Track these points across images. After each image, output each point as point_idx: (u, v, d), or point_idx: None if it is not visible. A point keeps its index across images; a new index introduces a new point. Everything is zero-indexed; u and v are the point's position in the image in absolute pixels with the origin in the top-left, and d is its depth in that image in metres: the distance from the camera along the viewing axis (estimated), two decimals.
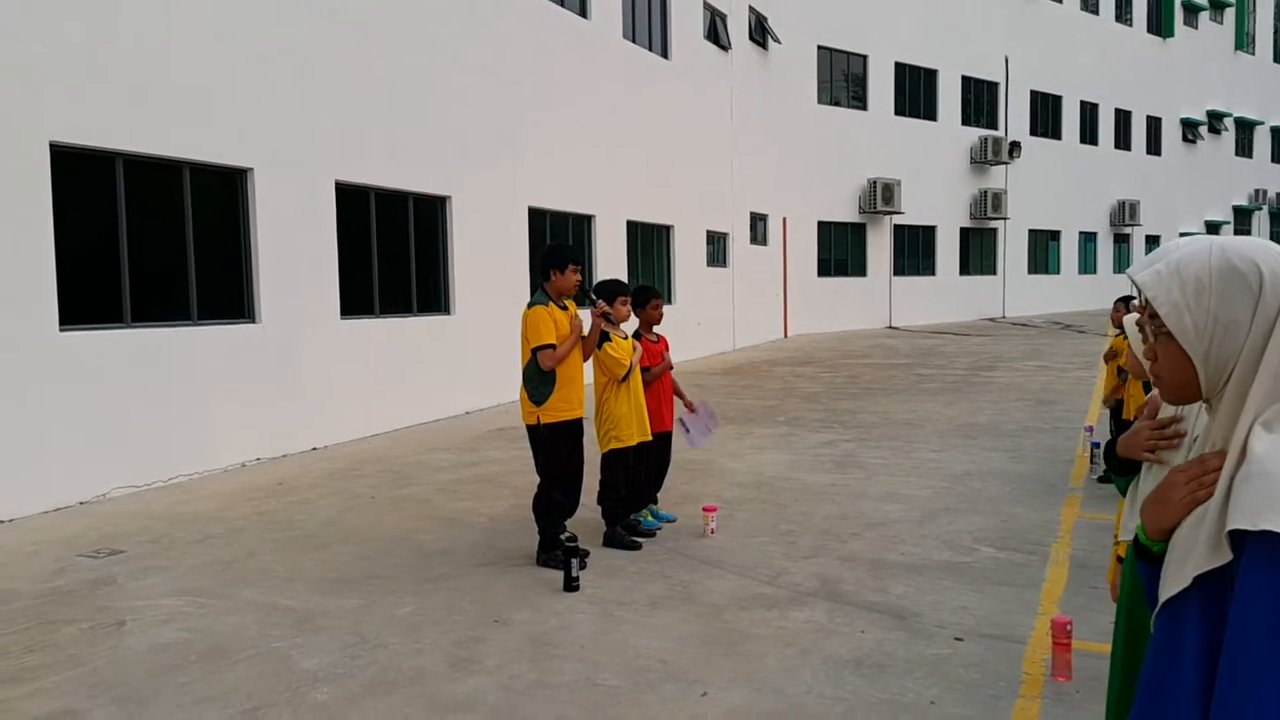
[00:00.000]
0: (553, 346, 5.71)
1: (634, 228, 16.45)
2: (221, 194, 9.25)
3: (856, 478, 8.27)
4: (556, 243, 6.15)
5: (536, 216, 13.80)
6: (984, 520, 6.89)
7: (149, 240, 8.56)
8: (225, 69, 9.00)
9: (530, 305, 5.83)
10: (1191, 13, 37.80)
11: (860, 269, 26.79)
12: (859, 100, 26.65)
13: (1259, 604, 1.34)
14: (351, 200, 10.62)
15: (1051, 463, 8.80)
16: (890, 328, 26.80)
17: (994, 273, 30.68)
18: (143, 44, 8.26)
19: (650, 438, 6.44)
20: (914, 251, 28.26)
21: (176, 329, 8.70)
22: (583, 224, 15.04)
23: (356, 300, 10.78)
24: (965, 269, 29.81)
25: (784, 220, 23.70)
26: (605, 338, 6.09)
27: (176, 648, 4.74)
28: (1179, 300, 1.52)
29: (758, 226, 22.49)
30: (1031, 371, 16.01)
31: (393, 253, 11.37)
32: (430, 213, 11.94)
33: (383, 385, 10.92)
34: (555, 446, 5.82)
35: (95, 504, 7.77)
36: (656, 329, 6.82)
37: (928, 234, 28.55)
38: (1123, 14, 35.15)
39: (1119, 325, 8.17)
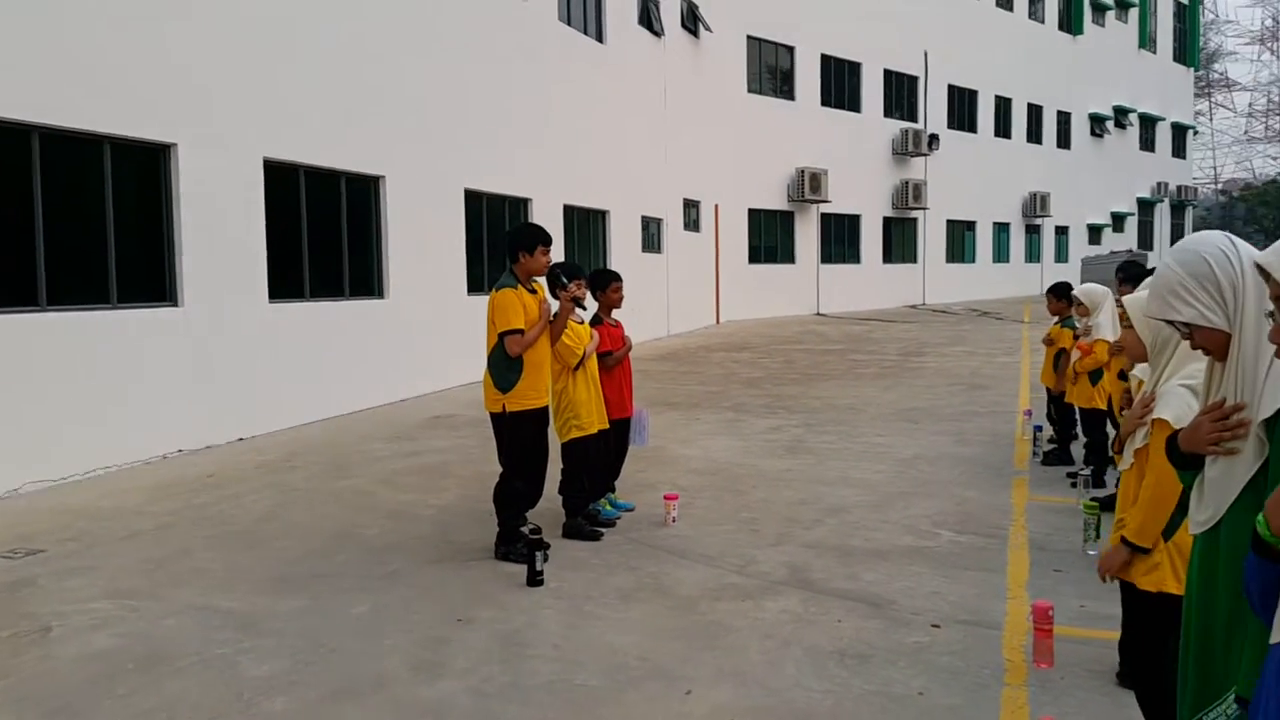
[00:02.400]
0: (521, 331, 5.47)
1: (570, 212, 16.18)
2: (143, 171, 8.73)
3: (809, 463, 8.21)
4: (526, 223, 5.92)
5: (473, 199, 13.45)
6: (939, 504, 6.87)
7: (66, 219, 8.03)
8: (149, 40, 8.48)
9: (498, 288, 5.58)
10: (1099, 11, 38.89)
11: (789, 256, 26.95)
12: (787, 91, 26.76)
13: None
14: (281, 179, 10.15)
15: (994, 446, 8.87)
16: (819, 314, 27.03)
17: (915, 261, 31.20)
18: (61, 12, 7.71)
19: (609, 425, 6.25)
20: (840, 240, 28.56)
21: (93, 313, 8.19)
22: (519, 207, 14.72)
23: (286, 283, 10.32)
24: (888, 257, 30.26)
25: (716, 207, 23.68)
26: None
27: (111, 655, 4.39)
28: None
29: (691, 213, 22.42)
30: (959, 357, 16.24)
31: (324, 234, 10.93)
32: (363, 193, 11.51)
33: (313, 372, 10.49)
34: (521, 435, 5.58)
35: (7, 500, 7.25)
36: (615, 313, 6.62)
37: (853, 223, 28.87)
38: (1035, 11, 35.99)
39: (1055, 314, 8.28)
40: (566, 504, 6.17)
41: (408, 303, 12.02)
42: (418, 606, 4.94)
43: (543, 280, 5.87)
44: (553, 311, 5.80)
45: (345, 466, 8.29)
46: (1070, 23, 37.38)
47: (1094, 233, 39.78)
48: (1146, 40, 41.84)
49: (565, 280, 5.86)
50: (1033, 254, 36.73)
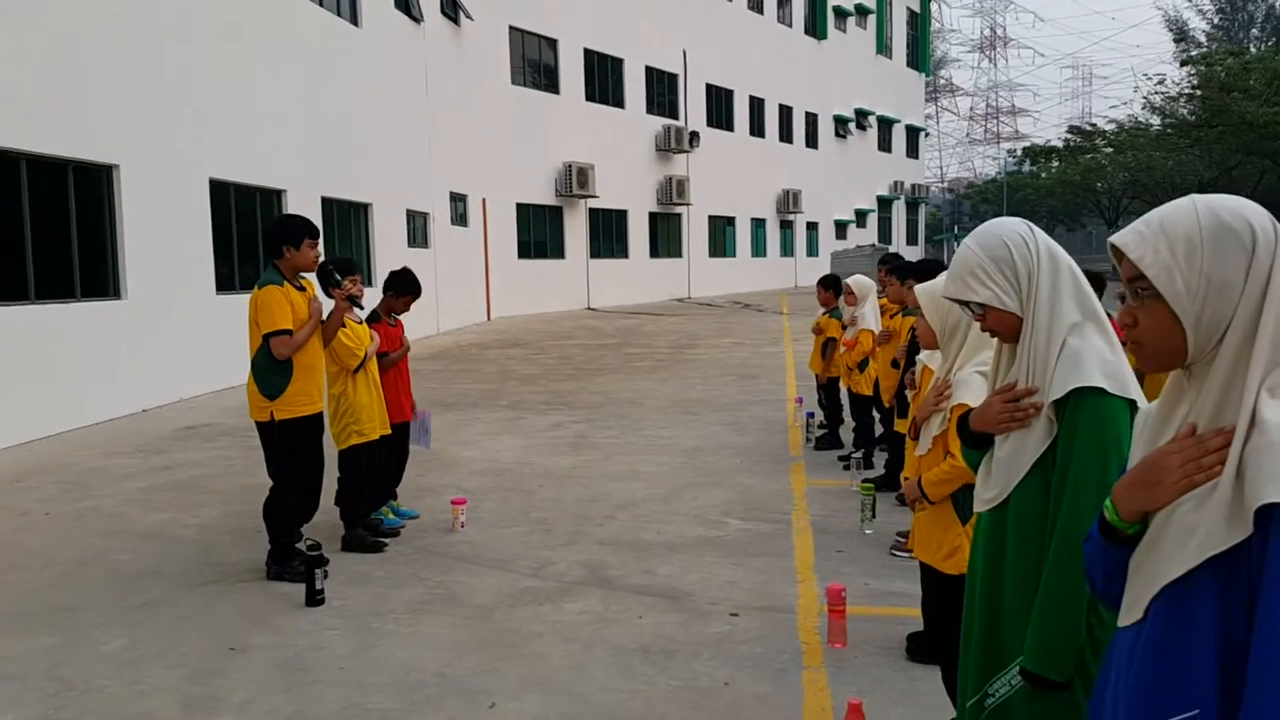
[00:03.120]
0: (289, 332, 5.02)
1: (330, 205, 15.37)
2: None
3: (595, 459, 8.16)
4: (289, 215, 5.42)
5: (219, 190, 12.46)
6: (725, 493, 6.99)
7: None
8: None
9: (261, 285, 5.09)
10: (841, 17, 41.48)
11: (559, 251, 26.95)
12: (551, 84, 26.72)
13: None
14: None
15: (770, 433, 9.17)
16: (589, 309, 27.21)
17: (680, 256, 32.06)
18: None
19: (390, 430, 5.92)
20: (608, 234, 28.88)
21: None
22: (271, 199, 13.80)
23: (7, 284, 9.15)
24: (655, 252, 30.92)
25: (483, 201, 23.29)
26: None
27: None
28: (1169, 261, 1.41)
29: (458, 207, 21.93)
30: (728, 348, 16.78)
31: (51, 229, 9.77)
32: (94, 184, 10.38)
33: (41, 382, 9.37)
34: (293, 445, 5.13)
35: None
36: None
37: (620, 218, 29.27)
38: (784, 15, 37.87)
39: (824, 305, 8.65)
40: (345, 515, 5.78)
41: (149, 303, 10.98)
42: (183, 637, 4.45)
43: (311, 276, 5.44)
44: (324, 310, 5.39)
45: (85, 486, 7.43)
46: (815, 27, 39.60)
47: (840, 228, 42.41)
48: (884, 46, 45.02)
49: (338, 277, 5.47)
50: (787, 248, 38.68)
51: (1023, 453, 2.12)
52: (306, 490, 5.31)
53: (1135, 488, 1.48)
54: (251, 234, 13.29)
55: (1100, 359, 2.04)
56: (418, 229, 19.48)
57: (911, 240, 49.05)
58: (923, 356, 3.93)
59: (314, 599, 4.79)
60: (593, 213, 27.95)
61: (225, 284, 12.40)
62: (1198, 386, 1.44)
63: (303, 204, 14.09)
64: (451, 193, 21.36)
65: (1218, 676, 1.33)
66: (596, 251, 28.26)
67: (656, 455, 8.26)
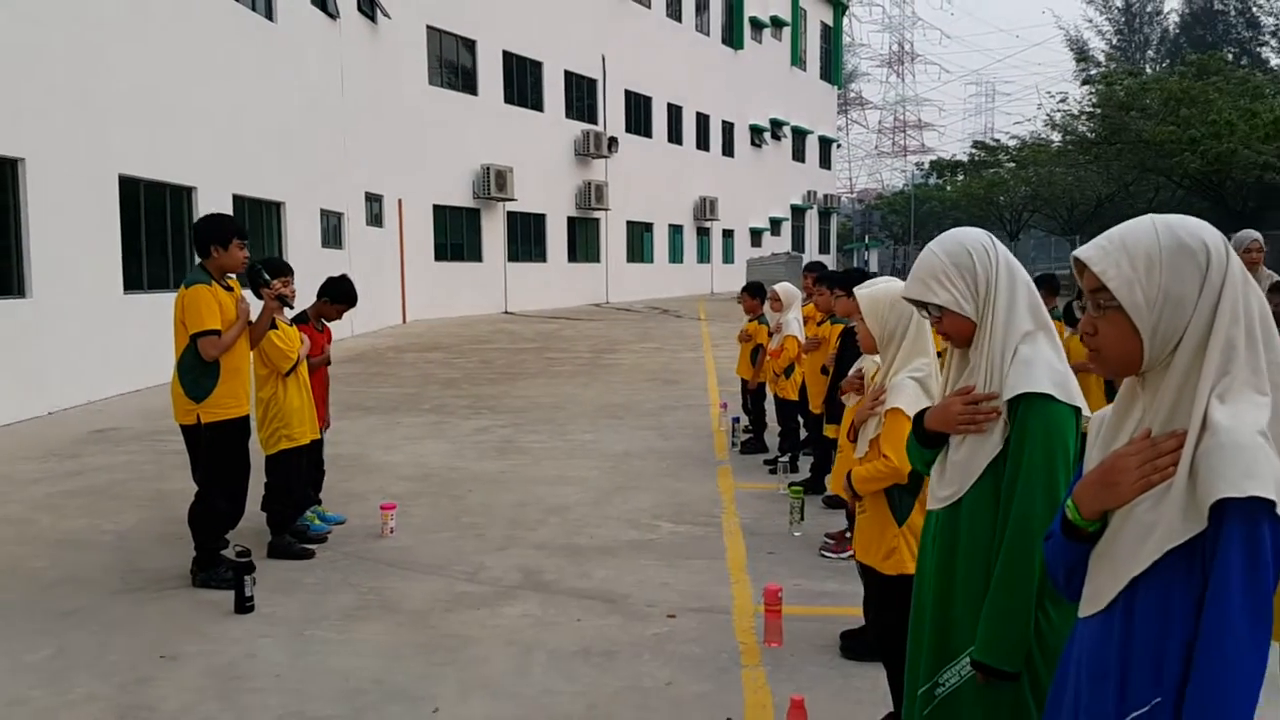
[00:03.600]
0: (217, 333, 4.91)
1: (241, 203, 14.97)
2: None
3: (523, 463, 8.14)
4: (217, 214, 5.30)
5: (129, 186, 12.04)
6: (655, 497, 7.06)
7: None
8: None
9: (189, 284, 4.97)
10: (757, 28, 42.07)
11: (476, 254, 26.73)
12: (470, 86, 26.51)
13: (1238, 560, 1.38)
14: None
15: (695, 438, 9.27)
16: (507, 312, 27.05)
17: (598, 260, 32.11)
18: None
19: (320, 435, 5.83)
20: (527, 238, 28.76)
21: None
22: (182, 196, 13.40)
23: None
24: (573, 256, 30.91)
25: (400, 202, 22.97)
26: (271, 324, 5.36)
27: None
28: (1130, 274, 1.52)
29: (373, 207, 21.59)
30: (648, 353, 16.88)
31: None
32: None
33: None
34: (220, 449, 5.02)
35: None
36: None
37: (538, 221, 29.18)
38: (701, 24, 38.27)
39: (750, 312, 8.80)
40: (272, 521, 5.66)
41: (55, 302, 10.56)
42: (111, 645, 4.32)
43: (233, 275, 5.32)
44: (253, 311, 5.29)
45: None
46: (732, 38, 40.10)
47: (755, 236, 42.99)
48: (798, 58, 45.82)
49: (267, 277, 5.37)
50: (703, 255, 39.06)
51: (979, 454, 2.23)
52: (232, 495, 5.20)
53: (1096, 488, 1.58)
54: (161, 232, 12.90)
55: (1050, 367, 2.17)
56: (332, 229, 19.12)
57: (824, 249, 49.99)
58: (864, 362, 4.05)
59: (243, 606, 4.69)
60: (511, 216, 27.81)
61: (133, 283, 12.00)
62: (1152, 392, 1.55)
63: (214, 201, 13.71)
64: (367, 193, 21.03)
65: (1180, 663, 1.44)
66: (514, 255, 28.12)
67: (585, 460, 8.28)
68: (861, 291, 3.59)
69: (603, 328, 22.39)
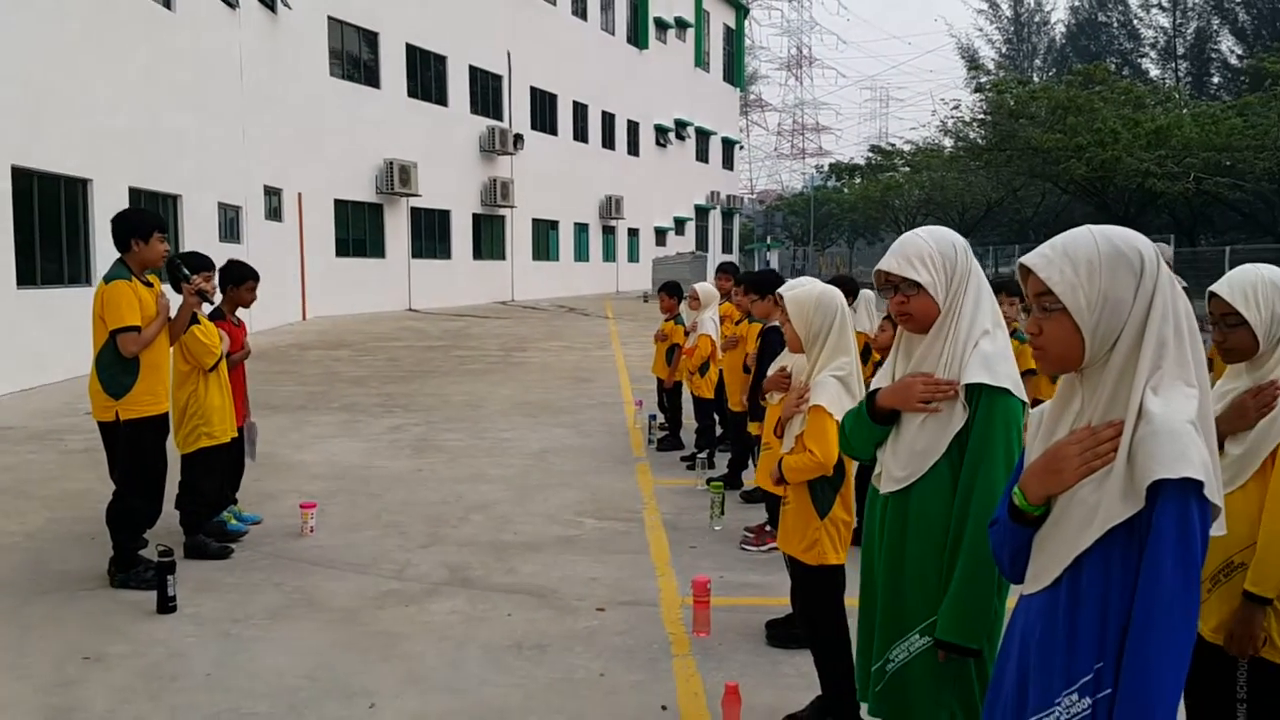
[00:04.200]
0: (137, 329, 4.80)
1: (138, 195, 14.44)
2: None
3: (441, 461, 8.12)
4: (136, 208, 5.19)
5: (21, 178, 11.52)
6: (576, 494, 7.13)
7: None
8: None
9: (109, 279, 4.85)
10: (661, 29, 42.41)
11: (379, 250, 26.28)
12: (372, 79, 26.06)
13: (1171, 534, 1.55)
14: None
15: (612, 435, 9.37)
16: (411, 310, 26.68)
17: (504, 258, 31.93)
18: None
19: (239, 433, 5.73)
20: (431, 235, 28.41)
21: None
22: (77, 189, 12.87)
23: None
24: (479, 254, 30.66)
25: (300, 196, 22.44)
26: (193, 319, 5.26)
27: None
28: (1073, 279, 1.68)
29: (272, 201, 21.06)
30: (559, 352, 16.91)
31: None
32: None
33: None
34: (140, 447, 4.91)
35: None
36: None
37: (443, 218, 28.86)
38: (606, 22, 38.39)
39: (667, 311, 8.92)
40: (186, 520, 5.54)
41: None
42: (30, 648, 4.19)
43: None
44: (172, 307, 5.18)
45: None
46: (637, 37, 40.33)
47: (660, 235, 43.34)
48: (701, 60, 46.33)
49: (187, 272, 5.26)
50: (609, 254, 39.19)
51: (941, 434, 2.38)
52: (150, 493, 5.08)
53: (1041, 475, 1.74)
54: (56, 225, 12.38)
55: (1008, 364, 2.35)
56: (230, 223, 18.60)
57: (727, 249, 50.67)
58: (789, 361, 4.20)
59: (166, 606, 4.60)
60: (415, 212, 27.44)
61: (26, 278, 11.50)
62: (1091, 386, 1.72)
63: (110, 194, 13.24)
64: (266, 186, 20.51)
65: (1120, 630, 1.60)
66: (418, 251, 27.75)
67: (503, 457, 8.30)
68: (788, 294, 3.74)
69: (511, 326, 22.31)
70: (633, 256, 40.66)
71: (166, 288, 5.24)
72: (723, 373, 7.48)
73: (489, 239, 31.22)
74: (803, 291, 3.64)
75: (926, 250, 2.44)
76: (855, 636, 2.66)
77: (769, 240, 56.42)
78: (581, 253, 37.14)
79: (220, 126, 17.70)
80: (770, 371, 4.42)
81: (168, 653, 4.20)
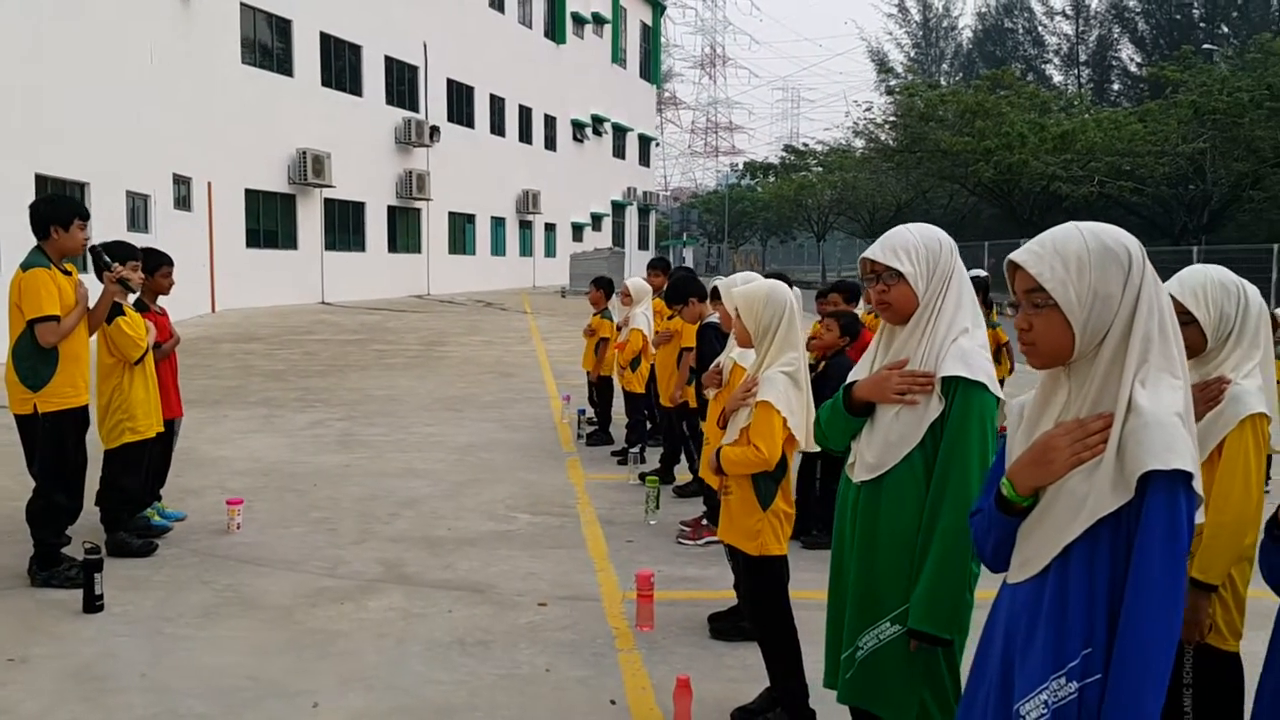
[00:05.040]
0: (56, 319, 4.62)
1: (43, 182, 13.83)
2: None
3: (367, 456, 7.98)
4: (56, 194, 4.98)
5: None
6: (508, 489, 7.09)
7: None
8: None
9: (25, 267, 4.64)
10: (579, 24, 42.27)
11: (291, 242, 25.62)
12: (285, 67, 25.38)
13: (1160, 524, 1.63)
14: None
15: (539, 430, 9.34)
16: (324, 303, 26.07)
17: (419, 251, 31.45)
18: None
19: (165, 428, 5.55)
20: (345, 227, 27.81)
21: None
22: None
23: None
24: (394, 247, 30.13)
25: (209, 185, 21.74)
26: (118, 310, 5.08)
27: None
28: (1063, 276, 1.74)
29: (181, 190, 20.37)
30: (480, 346, 16.76)
31: None
32: None
33: None
34: (60, 441, 4.72)
35: None
36: (162, 300, 5.87)
37: (358, 210, 28.28)
38: (524, 15, 38.10)
39: (595, 305, 8.93)
40: (108, 517, 5.35)
41: None
42: None
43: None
44: (91, 296, 4.99)
45: None
46: (555, 32, 40.13)
47: (577, 230, 43.24)
48: (618, 56, 46.34)
49: (108, 259, 5.08)
50: (526, 248, 38.93)
51: (916, 426, 2.44)
52: (71, 489, 4.89)
53: (1031, 466, 1.79)
54: None
55: (985, 360, 2.42)
56: (138, 211, 17.95)
57: (643, 245, 50.83)
58: (735, 354, 4.25)
59: (93, 605, 4.44)
60: (328, 203, 26.83)
61: None
62: (1079, 380, 1.78)
63: (15, 181, 12.65)
64: (175, 174, 19.84)
65: (1108, 617, 1.67)
66: (332, 244, 27.14)
67: (430, 452, 8.21)
68: (736, 290, 3.78)
69: (429, 320, 22.01)
70: (549, 252, 40.47)
71: (86, 276, 5.06)
72: (654, 368, 7.52)
73: (404, 232, 30.71)
74: (752, 287, 3.69)
75: (911, 242, 2.51)
76: (825, 625, 2.71)
77: (685, 237, 56.79)
78: (498, 247, 36.82)
79: (128, 113, 17.05)
80: (710, 369, 4.50)
81: (98, 653, 4.06)
